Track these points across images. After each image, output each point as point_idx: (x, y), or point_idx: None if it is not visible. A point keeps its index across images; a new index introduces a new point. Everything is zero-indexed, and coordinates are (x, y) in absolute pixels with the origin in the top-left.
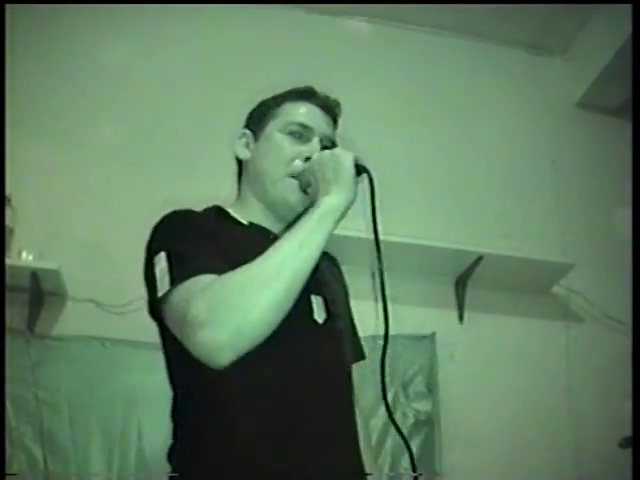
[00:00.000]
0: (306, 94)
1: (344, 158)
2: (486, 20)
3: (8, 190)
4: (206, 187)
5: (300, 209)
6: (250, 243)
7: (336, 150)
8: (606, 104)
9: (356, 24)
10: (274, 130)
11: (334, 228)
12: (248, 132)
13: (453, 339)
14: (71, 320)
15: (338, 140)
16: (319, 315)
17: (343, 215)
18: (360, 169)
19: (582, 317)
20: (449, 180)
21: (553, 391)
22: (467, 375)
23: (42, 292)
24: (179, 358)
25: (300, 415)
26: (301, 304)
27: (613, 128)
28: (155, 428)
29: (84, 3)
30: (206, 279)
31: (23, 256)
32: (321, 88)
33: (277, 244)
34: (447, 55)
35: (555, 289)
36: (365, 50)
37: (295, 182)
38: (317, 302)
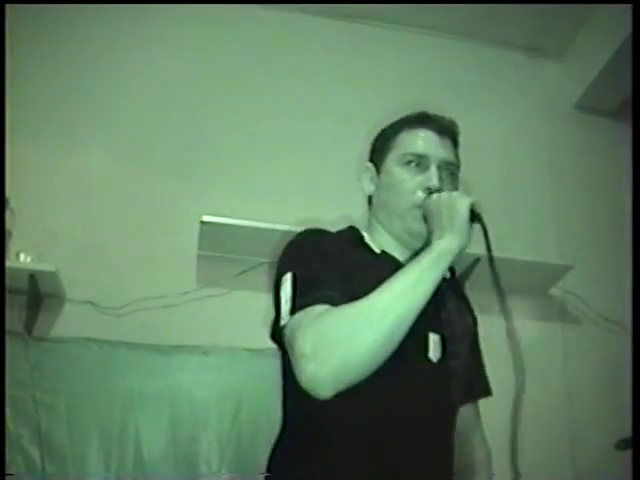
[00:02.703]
0: (420, 120)
1: (460, 204)
2: (483, 22)
3: (7, 192)
4: (204, 191)
5: (426, 236)
6: (380, 271)
7: (454, 194)
8: (604, 106)
9: (354, 26)
10: (392, 163)
11: (445, 272)
12: (371, 166)
13: None
14: (69, 322)
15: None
16: (434, 354)
17: (455, 259)
18: (475, 217)
19: (579, 319)
20: None
21: (550, 392)
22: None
23: (40, 294)
24: (291, 386)
25: (398, 453)
26: (417, 341)
27: (611, 130)
28: (153, 431)
29: (86, 3)
30: (317, 310)
31: (21, 258)
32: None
33: (389, 282)
34: (443, 57)
35: (552, 291)
36: (360, 52)
37: (419, 212)
38: (434, 340)
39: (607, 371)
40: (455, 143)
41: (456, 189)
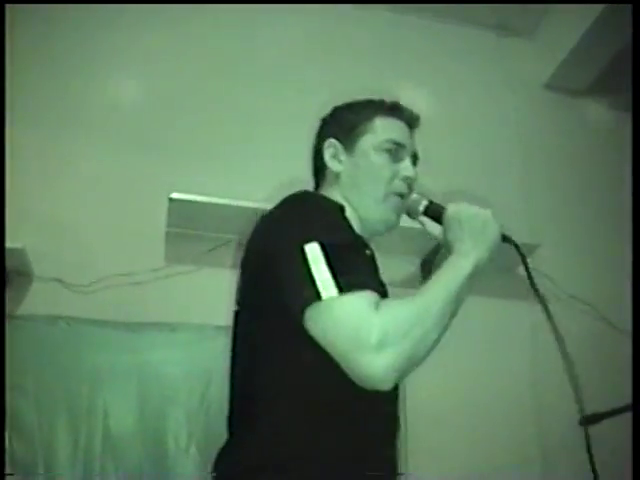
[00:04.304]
0: (395, 109)
1: (492, 225)
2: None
3: None
4: (173, 168)
5: (395, 228)
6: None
7: (482, 211)
8: (574, 85)
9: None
10: (369, 147)
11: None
12: (336, 143)
13: None
14: (37, 299)
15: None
16: None
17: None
18: (506, 239)
19: (547, 297)
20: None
21: (517, 369)
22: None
23: (7, 271)
24: (297, 359)
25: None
26: None
27: (580, 110)
28: (121, 407)
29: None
30: (371, 298)
31: None
32: None
33: (444, 282)
34: (414, 36)
35: (520, 269)
36: (330, 30)
37: (399, 200)
38: None
39: (574, 349)
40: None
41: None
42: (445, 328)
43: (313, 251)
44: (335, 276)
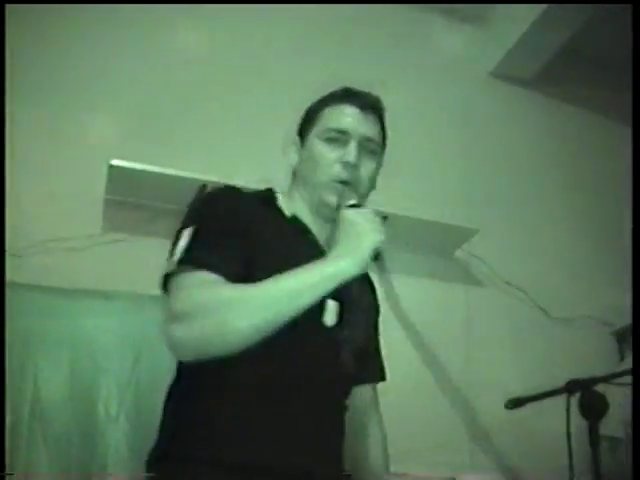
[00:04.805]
0: (344, 96)
1: (367, 239)
2: None
3: None
4: (114, 133)
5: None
6: (287, 235)
7: (363, 222)
8: (519, 74)
9: None
10: (314, 137)
11: (330, 291)
12: (297, 139)
13: None
14: None
15: (389, 132)
16: (329, 319)
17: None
18: (377, 255)
19: (483, 282)
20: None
21: (449, 352)
22: None
23: None
24: None
25: (286, 410)
26: (314, 306)
27: (525, 99)
28: (52, 373)
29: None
30: (204, 277)
31: None
32: None
33: (283, 277)
34: (361, 18)
35: (458, 253)
36: (277, 18)
37: (340, 187)
38: (331, 306)
39: (508, 334)
40: (380, 120)
41: (379, 166)
42: (272, 322)
43: (184, 233)
44: (186, 253)
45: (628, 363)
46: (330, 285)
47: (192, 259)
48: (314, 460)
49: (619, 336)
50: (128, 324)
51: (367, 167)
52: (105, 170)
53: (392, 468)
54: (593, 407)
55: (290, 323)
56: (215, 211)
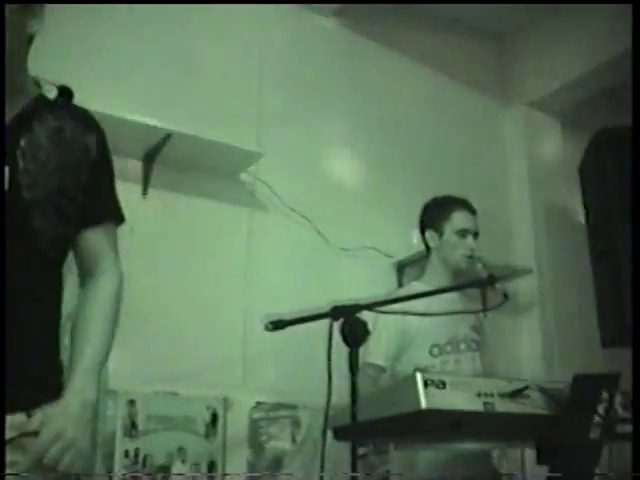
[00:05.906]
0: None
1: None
2: None
3: None
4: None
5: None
6: None
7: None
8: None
9: None
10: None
11: None
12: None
13: (134, 213)
14: None
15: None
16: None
17: None
18: None
19: (266, 207)
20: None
21: (229, 275)
22: (146, 250)
23: None
24: None
25: None
26: None
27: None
28: None
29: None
30: None
31: None
32: None
33: None
34: None
35: (243, 176)
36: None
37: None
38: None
39: (290, 260)
40: None
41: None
42: None
43: None
44: None
45: (399, 292)
46: None
47: None
48: None
49: (400, 267)
50: None
51: None
52: None
53: (165, 388)
54: (353, 333)
55: None
56: None
